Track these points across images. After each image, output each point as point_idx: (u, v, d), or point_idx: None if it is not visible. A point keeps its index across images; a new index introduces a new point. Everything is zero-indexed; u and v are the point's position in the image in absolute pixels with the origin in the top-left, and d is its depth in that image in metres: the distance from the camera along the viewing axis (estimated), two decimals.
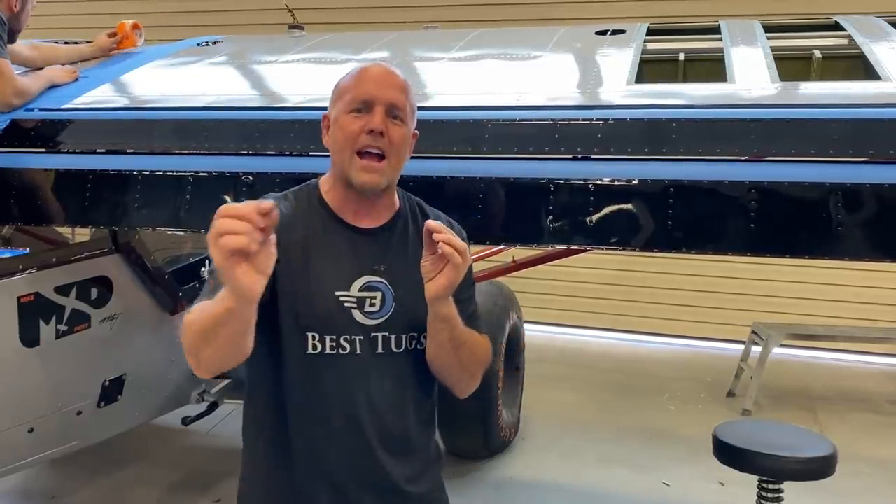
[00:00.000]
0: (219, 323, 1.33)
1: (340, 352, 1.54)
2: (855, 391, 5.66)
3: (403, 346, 1.58)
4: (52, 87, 2.96)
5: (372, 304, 1.56)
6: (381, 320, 1.56)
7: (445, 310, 1.49)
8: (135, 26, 3.37)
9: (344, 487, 1.57)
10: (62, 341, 2.83)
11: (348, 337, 1.54)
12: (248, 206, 1.23)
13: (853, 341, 5.89)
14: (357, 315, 1.55)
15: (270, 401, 1.58)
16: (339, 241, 1.58)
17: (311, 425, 1.56)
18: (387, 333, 1.56)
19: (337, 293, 1.54)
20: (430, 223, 1.44)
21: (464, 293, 1.61)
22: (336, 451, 1.56)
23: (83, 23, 7.53)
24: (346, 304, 1.55)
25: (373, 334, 1.56)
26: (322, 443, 1.56)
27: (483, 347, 1.65)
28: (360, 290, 1.56)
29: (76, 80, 3.05)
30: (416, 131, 1.66)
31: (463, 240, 1.51)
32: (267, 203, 1.25)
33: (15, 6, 2.97)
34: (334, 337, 1.54)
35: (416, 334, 1.58)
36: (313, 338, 1.53)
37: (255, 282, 1.25)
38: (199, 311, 1.39)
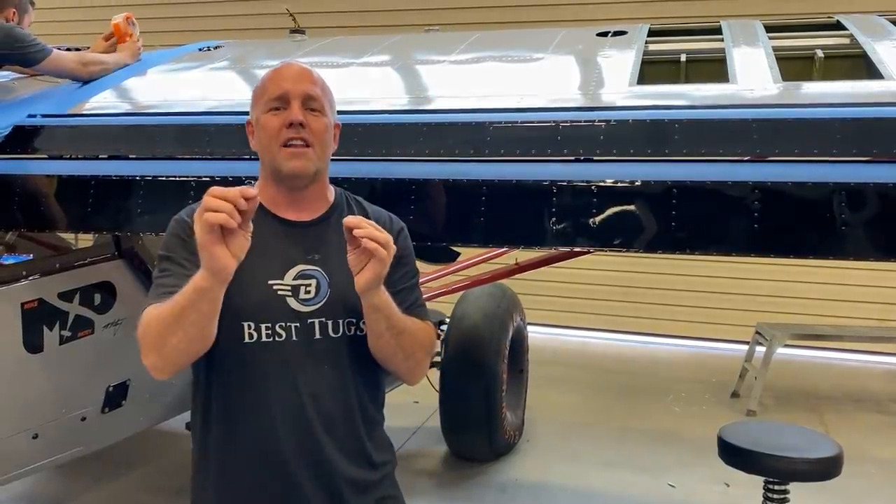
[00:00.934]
0: (187, 306, 1.44)
1: (276, 339, 1.59)
2: (861, 391, 5.64)
3: (341, 331, 1.63)
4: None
5: (307, 292, 1.61)
6: (316, 306, 1.61)
7: (377, 300, 1.54)
8: (127, 18, 3.34)
9: (292, 474, 1.60)
10: (66, 347, 2.83)
11: (283, 324, 1.59)
12: (233, 190, 1.37)
13: (858, 341, 5.86)
14: (292, 302, 1.60)
15: (214, 392, 1.64)
16: (272, 235, 1.62)
17: (255, 413, 1.61)
18: (323, 319, 1.61)
19: (270, 282, 1.60)
20: (348, 219, 1.49)
21: (405, 282, 1.69)
22: (281, 438, 1.60)
23: (80, 29, 7.56)
24: (279, 293, 1.60)
25: (309, 320, 1.61)
26: (266, 430, 1.61)
27: (425, 333, 1.69)
28: (295, 278, 1.61)
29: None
30: (339, 122, 1.74)
31: (399, 232, 1.67)
32: (251, 190, 1.39)
33: (13, 18, 3.04)
34: (269, 325, 1.59)
35: (354, 319, 1.63)
36: (249, 327, 1.59)
37: (229, 262, 1.39)
38: (161, 306, 1.48)
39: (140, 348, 1.52)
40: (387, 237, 1.48)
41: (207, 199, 1.37)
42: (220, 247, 1.37)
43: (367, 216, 1.71)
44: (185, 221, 1.61)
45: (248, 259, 1.50)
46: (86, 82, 3.05)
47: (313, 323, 1.61)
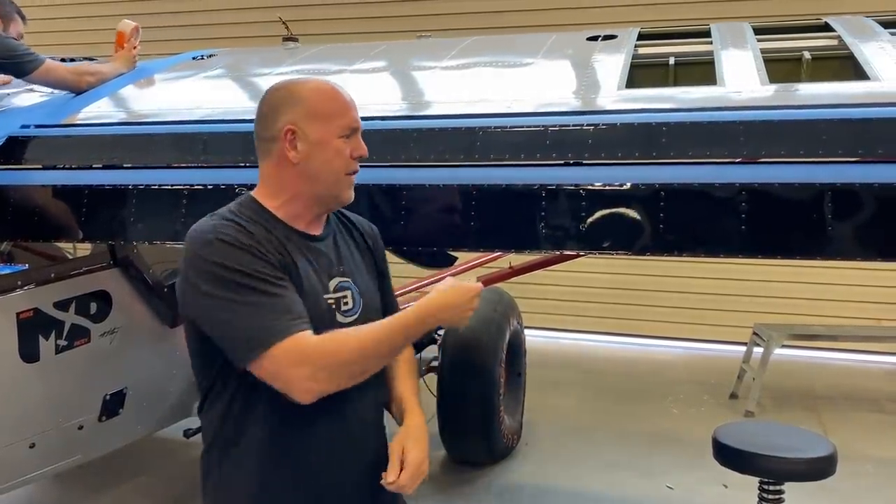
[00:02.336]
0: (410, 337, 1.58)
1: None
2: (858, 391, 5.65)
3: None
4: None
5: (345, 303, 1.66)
6: (354, 317, 1.66)
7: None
8: (135, 29, 3.37)
9: (340, 473, 1.67)
10: (62, 356, 2.83)
11: None
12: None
13: (855, 341, 5.88)
14: (337, 315, 1.65)
15: (272, 405, 1.59)
16: (306, 250, 1.64)
17: (311, 423, 1.61)
18: None
19: (325, 296, 1.64)
20: (390, 486, 1.59)
21: (387, 281, 1.84)
22: (330, 443, 1.65)
23: (79, 39, 7.60)
24: (332, 306, 1.64)
25: None
26: (320, 438, 1.63)
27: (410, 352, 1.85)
28: (335, 290, 1.66)
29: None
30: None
31: (376, 237, 1.83)
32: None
33: None
34: None
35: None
36: None
37: None
38: (360, 334, 1.55)
39: (318, 374, 1.49)
40: (417, 471, 1.63)
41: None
42: None
43: (352, 228, 1.80)
44: (247, 243, 1.55)
45: (301, 275, 1.56)
46: (80, 93, 3.06)
47: None
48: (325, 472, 1.66)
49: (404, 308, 1.63)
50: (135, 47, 3.31)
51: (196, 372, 1.70)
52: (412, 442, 1.64)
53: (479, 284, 1.65)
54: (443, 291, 1.58)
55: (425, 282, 4.13)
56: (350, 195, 1.68)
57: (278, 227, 1.63)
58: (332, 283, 1.65)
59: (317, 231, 1.70)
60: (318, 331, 1.55)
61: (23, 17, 3.23)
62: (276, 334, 1.48)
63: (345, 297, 1.66)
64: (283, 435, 1.62)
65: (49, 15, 7.75)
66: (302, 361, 1.48)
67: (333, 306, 1.63)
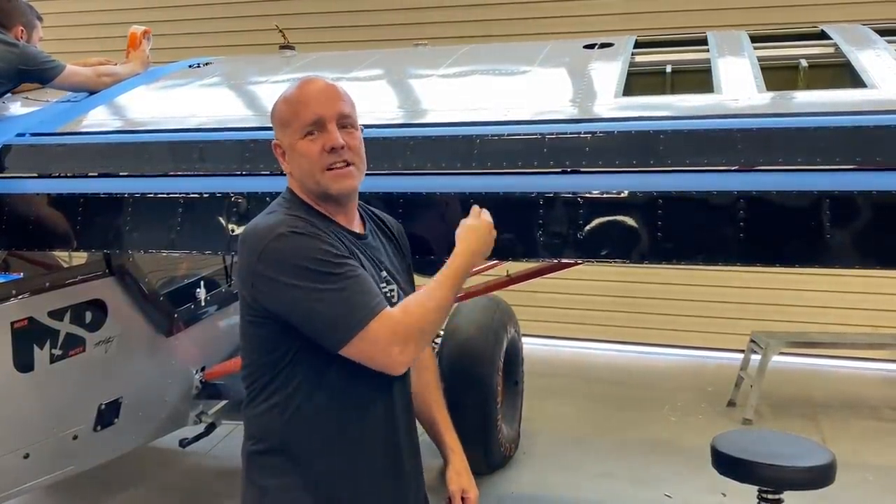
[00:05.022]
0: (462, 284, 1.77)
1: None
2: (856, 398, 5.64)
3: None
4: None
5: (391, 295, 1.75)
6: None
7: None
8: (145, 33, 3.41)
9: (402, 457, 1.80)
10: (57, 366, 2.81)
11: None
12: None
13: (853, 348, 5.87)
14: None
15: (330, 394, 1.68)
16: (356, 243, 1.71)
17: (367, 408, 1.72)
18: None
19: (381, 286, 1.71)
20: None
21: (409, 276, 1.94)
22: (383, 429, 1.75)
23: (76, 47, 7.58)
24: (387, 295, 1.72)
25: None
26: (374, 422, 1.72)
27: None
28: (384, 282, 1.74)
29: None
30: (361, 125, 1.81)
31: (402, 232, 1.95)
32: None
33: (21, 35, 3.08)
34: None
35: None
36: None
37: None
38: (429, 295, 1.67)
39: (413, 344, 1.61)
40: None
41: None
42: None
43: (382, 225, 1.89)
44: (317, 232, 1.64)
45: (363, 263, 1.64)
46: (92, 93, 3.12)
47: None
48: (381, 457, 1.75)
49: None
50: (146, 49, 3.39)
51: (254, 368, 1.72)
52: (467, 482, 1.95)
53: (485, 215, 1.89)
54: (466, 238, 1.84)
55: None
56: (339, 186, 1.68)
57: (328, 222, 1.71)
58: (381, 276, 1.74)
59: (355, 228, 1.78)
60: None
61: (40, 19, 3.26)
62: (367, 315, 1.56)
63: (391, 289, 1.75)
64: (344, 424, 1.70)
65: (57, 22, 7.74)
66: (394, 336, 1.57)
67: (388, 296, 1.71)
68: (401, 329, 1.58)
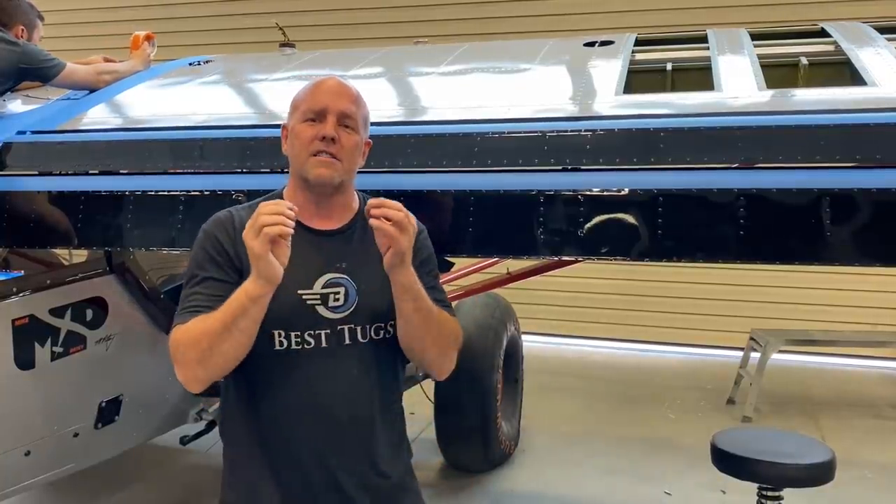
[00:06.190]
0: (239, 314, 1.53)
1: (305, 346, 1.67)
2: (856, 396, 5.65)
3: (369, 336, 1.71)
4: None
5: (336, 299, 1.68)
6: (345, 313, 1.69)
7: (403, 278, 1.61)
8: (148, 37, 3.43)
9: (327, 473, 1.69)
10: (58, 363, 2.81)
11: (312, 332, 1.67)
12: (281, 204, 1.52)
13: (852, 346, 5.88)
14: (322, 310, 1.68)
15: (248, 401, 1.71)
16: (301, 244, 1.64)
17: (286, 418, 1.68)
18: (352, 325, 1.69)
19: (300, 292, 1.67)
20: (370, 202, 1.57)
21: (430, 281, 1.77)
22: (311, 440, 1.68)
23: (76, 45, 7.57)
24: (309, 302, 1.67)
25: (339, 327, 1.68)
26: (298, 432, 1.68)
27: (452, 323, 1.78)
28: (324, 286, 1.68)
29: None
30: (370, 140, 1.80)
31: (420, 233, 1.72)
32: (288, 203, 1.53)
33: (21, 34, 3.09)
34: (299, 333, 1.67)
35: (381, 324, 1.71)
36: (279, 335, 1.66)
37: (280, 269, 1.51)
38: (206, 318, 1.56)
39: (178, 363, 1.60)
40: (402, 215, 1.56)
41: (263, 217, 1.49)
42: (272, 256, 1.49)
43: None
44: (216, 237, 1.71)
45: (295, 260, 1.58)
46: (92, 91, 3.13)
47: (343, 329, 1.69)
48: (314, 469, 1.70)
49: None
50: (149, 51, 3.42)
51: None
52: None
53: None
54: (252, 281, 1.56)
55: None
56: (317, 173, 1.68)
57: None
58: (322, 279, 1.68)
59: (326, 225, 1.74)
60: (291, 324, 1.65)
61: (41, 18, 3.27)
62: (175, 320, 1.63)
63: (336, 292, 1.69)
64: (264, 433, 1.70)
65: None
66: (174, 353, 1.61)
67: (313, 302, 1.67)
68: (172, 346, 1.62)
